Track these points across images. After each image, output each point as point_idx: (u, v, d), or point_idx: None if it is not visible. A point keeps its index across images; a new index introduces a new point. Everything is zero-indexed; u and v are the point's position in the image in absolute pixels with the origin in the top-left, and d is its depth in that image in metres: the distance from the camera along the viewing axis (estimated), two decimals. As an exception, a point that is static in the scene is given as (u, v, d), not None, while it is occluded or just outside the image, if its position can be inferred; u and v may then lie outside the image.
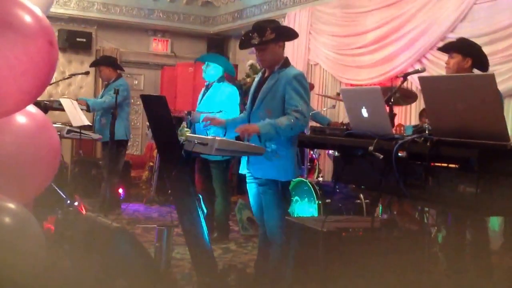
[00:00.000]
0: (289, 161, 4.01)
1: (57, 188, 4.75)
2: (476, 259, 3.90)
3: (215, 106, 5.81)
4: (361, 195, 5.70)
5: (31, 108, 3.17)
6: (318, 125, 6.43)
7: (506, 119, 4.14)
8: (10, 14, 2.69)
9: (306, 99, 3.99)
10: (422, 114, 5.87)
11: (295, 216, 5.56)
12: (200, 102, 6.17)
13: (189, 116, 5.80)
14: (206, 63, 6.12)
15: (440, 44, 6.11)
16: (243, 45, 4.15)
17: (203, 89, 6.30)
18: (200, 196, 4.37)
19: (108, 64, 7.36)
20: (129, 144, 10.37)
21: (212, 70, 6.08)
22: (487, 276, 3.91)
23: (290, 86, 3.94)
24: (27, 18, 2.73)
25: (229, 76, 6.89)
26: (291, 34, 4.29)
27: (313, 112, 6.45)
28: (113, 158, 6.86)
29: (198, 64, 9.99)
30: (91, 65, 7.97)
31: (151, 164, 8.82)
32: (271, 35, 3.97)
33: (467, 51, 4.36)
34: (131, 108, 8.00)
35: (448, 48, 4.54)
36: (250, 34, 4.02)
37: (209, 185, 6.03)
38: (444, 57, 4.62)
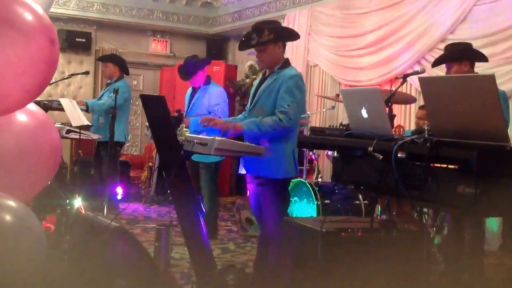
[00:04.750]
0: (281, 158, 3.97)
1: (56, 188, 4.74)
2: (470, 260, 3.91)
3: (204, 109, 5.92)
4: (360, 196, 5.71)
5: (32, 107, 3.17)
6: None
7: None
8: (10, 12, 2.69)
9: (298, 100, 3.97)
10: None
11: (294, 216, 5.56)
12: (189, 106, 6.19)
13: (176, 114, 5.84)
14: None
15: (441, 46, 6.13)
16: (242, 46, 4.16)
17: (189, 92, 6.35)
18: (200, 196, 4.38)
19: (116, 62, 7.38)
20: (128, 144, 10.44)
21: (198, 77, 6.14)
22: (480, 276, 3.91)
23: (284, 86, 3.94)
24: (28, 16, 2.73)
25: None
26: (291, 35, 4.29)
27: None
28: (111, 158, 6.87)
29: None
30: (99, 59, 7.98)
31: (150, 164, 8.83)
32: (269, 36, 3.97)
33: (461, 56, 4.38)
34: (130, 109, 8.00)
35: (442, 62, 4.55)
36: (250, 35, 4.03)
37: (196, 185, 6.01)
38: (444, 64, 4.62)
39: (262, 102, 4.03)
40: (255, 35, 3.99)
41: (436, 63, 4.65)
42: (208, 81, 6.18)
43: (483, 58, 4.48)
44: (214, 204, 6.14)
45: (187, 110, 6.19)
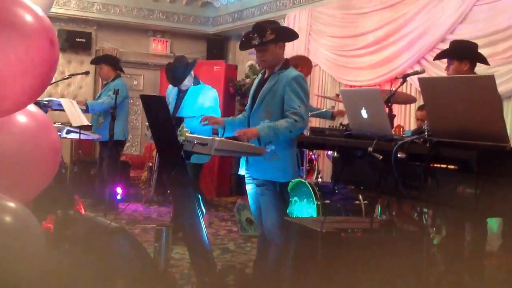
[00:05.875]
0: (288, 162, 4.01)
1: (56, 188, 4.74)
2: (471, 260, 3.91)
3: (197, 110, 5.65)
4: (360, 196, 5.71)
5: (32, 108, 3.17)
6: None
7: (505, 120, 4.17)
8: (10, 13, 2.69)
9: (305, 101, 4.00)
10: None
11: (294, 216, 5.56)
12: (178, 107, 5.90)
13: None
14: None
15: (441, 46, 6.13)
16: (243, 46, 4.16)
17: (174, 92, 6.05)
18: (199, 196, 4.36)
19: (109, 63, 7.38)
20: (128, 144, 10.44)
21: (187, 81, 5.91)
22: (480, 277, 3.91)
23: (289, 88, 3.95)
24: (28, 17, 2.73)
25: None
26: (291, 35, 4.30)
27: (315, 112, 6.47)
28: (112, 158, 6.88)
29: (197, 65, 10.02)
30: (92, 62, 8.00)
31: (150, 164, 8.83)
32: (271, 36, 3.97)
33: (461, 55, 4.38)
34: (130, 109, 8.01)
35: (443, 56, 4.56)
36: (250, 35, 4.02)
37: (196, 185, 5.82)
38: (444, 58, 4.65)
39: (267, 104, 4.03)
40: (257, 35, 3.98)
41: (437, 57, 4.67)
42: (197, 82, 5.97)
43: (484, 61, 4.48)
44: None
45: (172, 112, 5.82)
